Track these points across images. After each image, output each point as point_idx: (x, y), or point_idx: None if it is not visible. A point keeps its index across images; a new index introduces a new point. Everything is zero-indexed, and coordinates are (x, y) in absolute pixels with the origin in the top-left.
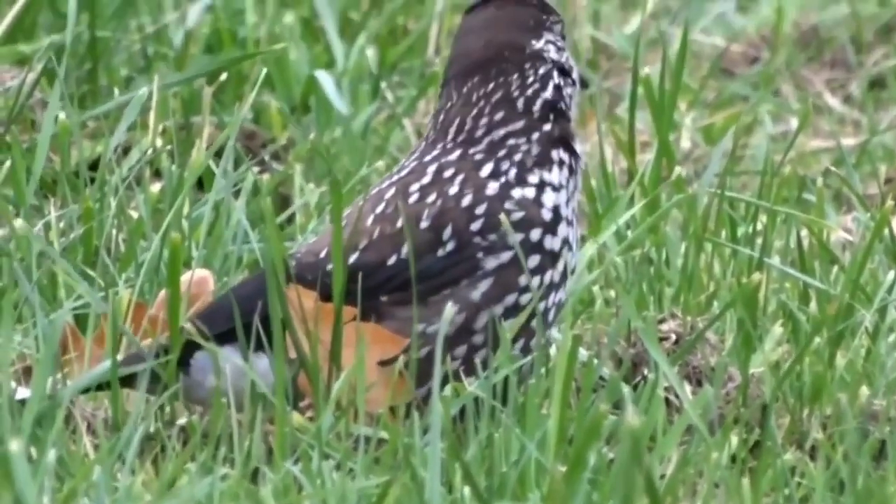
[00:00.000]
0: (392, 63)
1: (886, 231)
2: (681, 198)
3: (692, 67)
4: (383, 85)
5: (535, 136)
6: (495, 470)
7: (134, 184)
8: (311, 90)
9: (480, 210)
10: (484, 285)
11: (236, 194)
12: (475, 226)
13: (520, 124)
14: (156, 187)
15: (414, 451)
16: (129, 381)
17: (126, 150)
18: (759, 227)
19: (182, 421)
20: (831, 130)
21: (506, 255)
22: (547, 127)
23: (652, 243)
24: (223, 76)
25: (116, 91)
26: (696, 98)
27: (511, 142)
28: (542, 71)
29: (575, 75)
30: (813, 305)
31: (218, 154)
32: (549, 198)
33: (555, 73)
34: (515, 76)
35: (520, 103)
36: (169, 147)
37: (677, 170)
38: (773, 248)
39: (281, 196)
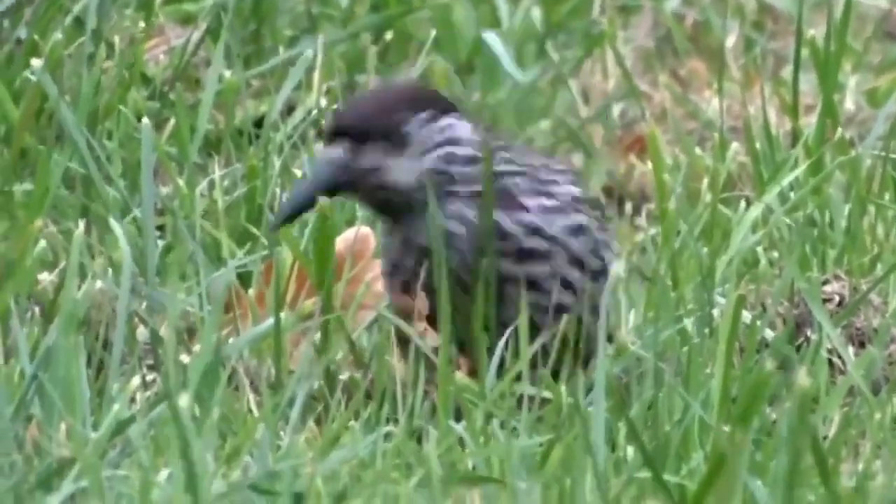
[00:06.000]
0: (557, 23)
1: None
2: (844, 159)
3: (856, 30)
4: (549, 45)
5: None
6: (658, 429)
7: (299, 142)
8: (476, 51)
9: None
10: None
11: None
12: None
13: None
14: (320, 146)
15: (578, 410)
16: None
17: (290, 109)
18: None
19: (345, 377)
20: None
21: None
22: None
23: (815, 205)
24: (388, 36)
25: (281, 50)
26: (860, 61)
27: None
28: None
29: None
30: None
31: None
32: None
33: None
34: None
35: None
36: (334, 106)
37: (839, 131)
38: None
39: None
